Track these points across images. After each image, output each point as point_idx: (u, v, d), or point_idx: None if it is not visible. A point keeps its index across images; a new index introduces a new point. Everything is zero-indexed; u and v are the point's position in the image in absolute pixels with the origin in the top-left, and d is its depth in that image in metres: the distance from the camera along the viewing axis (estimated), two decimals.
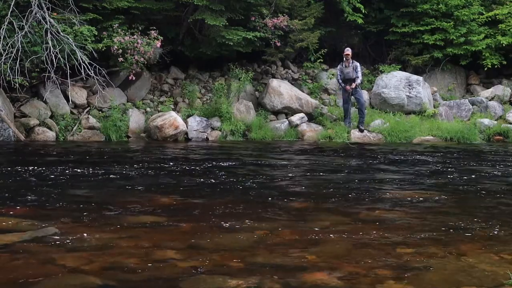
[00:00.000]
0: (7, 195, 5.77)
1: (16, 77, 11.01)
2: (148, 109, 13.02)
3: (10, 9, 11.15)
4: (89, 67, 11.55)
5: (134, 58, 12.00)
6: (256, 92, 14.31)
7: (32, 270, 3.52)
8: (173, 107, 13.27)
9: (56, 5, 11.74)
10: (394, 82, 14.44)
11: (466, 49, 15.34)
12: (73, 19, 11.66)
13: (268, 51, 14.28)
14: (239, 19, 13.53)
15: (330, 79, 14.95)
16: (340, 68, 13.27)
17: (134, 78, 12.45)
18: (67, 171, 7.35)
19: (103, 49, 11.91)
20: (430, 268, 3.66)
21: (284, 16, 13.89)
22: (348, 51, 13.28)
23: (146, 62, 12.33)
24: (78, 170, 7.42)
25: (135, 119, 12.47)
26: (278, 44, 13.92)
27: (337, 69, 13.54)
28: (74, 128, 11.84)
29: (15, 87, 11.20)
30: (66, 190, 6.09)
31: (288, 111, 13.71)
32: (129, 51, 11.98)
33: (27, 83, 11.54)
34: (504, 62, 15.53)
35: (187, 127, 12.34)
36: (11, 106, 11.68)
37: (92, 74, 11.64)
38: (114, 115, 12.01)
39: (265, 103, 13.77)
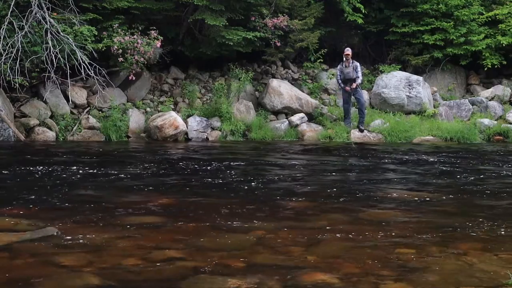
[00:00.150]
0: (7, 195, 5.77)
1: (16, 77, 11.01)
2: (148, 109, 13.02)
3: (10, 9, 11.15)
4: (89, 67, 11.55)
5: (134, 58, 12.00)
6: (256, 92, 14.31)
7: (32, 270, 3.52)
8: (173, 107, 13.27)
9: (56, 5, 11.74)
10: (394, 82, 14.44)
11: (466, 49, 15.34)
12: (73, 19, 11.66)
13: (268, 51, 14.28)
14: (239, 19, 13.53)
15: (330, 79, 14.95)
16: (340, 68, 13.26)
17: (134, 78, 12.45)
18: (67, 171, 7.35)
19: (103, 49, 11.91)
20: (430, 268, 3.66)
21: (284, 16, 13.89)
22: (348, 51, 13.27)
23: (146, 62, 12.33)
24: (78, 170, 7.42)
25: (135, 119, 12.47)
26: (278, 44, 13.91)
27: (337, 69, 13.53)
28: (74, 128, 11.84)
29: (15, 87, 11.20)
30: (66, 190, 6.09)
31: (288, 111, 13.71)
32: (129, 51, 11.98)
33: (27, 83, 11.54)
34: (504, 62, 15.53)
35: (187, 127, 12.34)
36: (11, 106, 11.68)
37: (92, 74, 11.64)
38: (114, 115, 12.01)
39: (265, 103, 13.77)
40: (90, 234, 4.28)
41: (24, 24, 11.18)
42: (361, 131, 13.02)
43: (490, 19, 15.61)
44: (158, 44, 12.40)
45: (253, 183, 6.75)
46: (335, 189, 6.56)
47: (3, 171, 7.34)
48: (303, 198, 5.99)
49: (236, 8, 13.39)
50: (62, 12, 11.73)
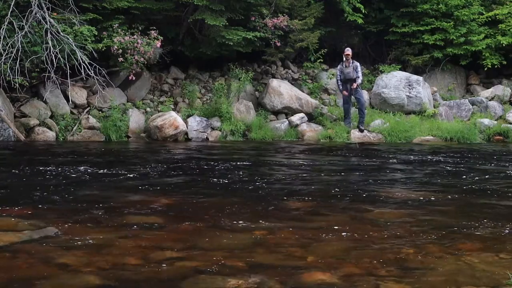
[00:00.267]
0: (7, 195, 5.77)
1: (16, 77, 11.01)
2: (148, 109, 13.02)
3: (10, 9, 11.16)
4: (89, 67, 11.55)
5: (134, 58, 12.00)
6: (256, 92, 14.31)
7: (32, 270, 3.52)
8: (173, 107, 13.27)
9: (56, 5, 11.74)
10: (394, 82, 14.44)
11: (466, 49, 15.34)
12: (73, 19, 11.66)
13: (268, 51, 14.28)
14: (239, 19, 13.53)
15: (330, 79, 14.95)
16: (340, 68, 13.26)
17: (134, 78, 12.45)
18: (67, 171, 7.35)
19: (103, 49, 11.91)
20: (430, 268, 3.66)
21: (284, 16, 13.89)
22: (348, 51, 13.28)
23: (146, 62, 12.33)
24: (79, 170, 7.42)
25: (135, 119, 12.47)
26: (278, 44, 13.91)
27: (337, 69, 13.53)
28: (74, 128, 11.84)
29: (15, 87, 11.20)
30: (66, 190, 6.09)
31: (288, 111, 13.71)
32: (129, 51, 11.98)
33: (27, 83, 11.55)
34: (504, 62, 15.53)
35: (187, 127, 12.34)
36: (11, 106, 11.68)
37: (92, 74, 11.64)
38: (114, 115, 12.01)
39: (265, 103, 13.77)
40: (90, 234, 4.28)
41: (24, 24, 11.18)
42: (361, 131, 13.02)
43: (490, 19, 15.61)
44: (158, 44, 12.40)
45: (253, 183, 6.75)
46: (335, 189, 6.56)
47: (3, 171, 7.34)
48: (304, 198, 5.98)
49: (236, 8, 13.39)
50: (62, 12, 11.73)
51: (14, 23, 11.14)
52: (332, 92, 14.89)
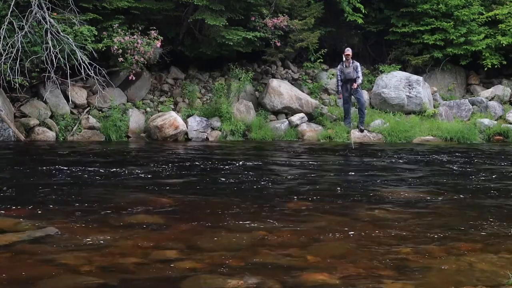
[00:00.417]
0: (7, 195, 5.77)
1: (16, 77, 11.00)
2: (148, 109, 13.02)
3: (10, 9, 11.15)
4: (89, 67, 11.54)
5: (134, 58, 11.99)
6: (256, 92, 14.30)
7: (32, 270, 3.52)
8: (173, 107, 13.26)
9: (56, 5, 11.73)
10: (394, 82, 14.44)
11: (466, 49, 15.33)
12: (73, 19, 11.65)
13: (268, 51, 14.28)
14: (239, 19, 13.52)
15: (330, 79, 14.94)
16: (340, 68, 13.25)
17: (134, 78, 12.44)
18: (67, 171, 7.35)
19: (103, 49, 11.91)
20: (430, 268, 3.66)
21: (284, 16, 13.88)
22: (348, 51, 13.27)
23: (146, 62, 12.32)
24: (79, 171, 7.42)
25: (135, 119, 12.47)
26: (278, 44, 13.91)
27: (337, 69, 13.52)
28: (74, 128, 11.83)
29: (15, 87, 11.19)
30: (66, 190, 6.09)
31: (288, 111, 13.71)
32: (129, 51, 11.97)
33: (27, 83, 11.54)
34: (504, 62, 15.52)
35: (187, 127, 12.33)
36: (11, 106, 11.68)
37: (92, 74, 11.63)
38: (114, 115, 12.00)
39: (265, 103, 13.77)
40: (90, 234, 4.28)
41: (24, 24, 11.17)
42: (361, 131, 13.02)
43: (490, 19, 15.60)
44: (158, 44, 12.40)
45: (254, 183, 6.75)
46: (336, 189, 6.56)
47: (3, 171, 7.34)
48: (304, 198, 5.98)
49: (236, 8, 13.39)
50: (62, 12, 11.72)
51: (14, 23, 11.13)
52: (332, 92, 14.88)
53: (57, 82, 11.57)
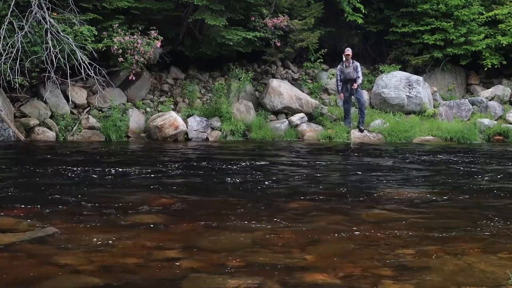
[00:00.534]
0: (7, 195, 5.77)
1: (16, 77, 11.00)
2: (148, 109, 13.02)
3: (10, 9, 11.15)
4: (89, 67, 11.54)
5: (134, 58, 11.99)
6: (256, 92, 14.30)
7: (32, 270, 3.52)
8: (173, 107, 13.26)
9: (56, 5, 11.73)
10: (394, 82, 14.44)
11: (466, 49, 15.33)
12: (73, 19, 11.65)
13: (268, 51, 14.28)
14: (239, 19, 13.52)
15: (330, 79, 14.94)
16: (340, 68, 13.25)
17: (134, 78, 12.44)
18: (67, 171, 7.35)
19: (103, 49, 11.91)
20: (430, 268, 3.66)
21: (284, 16, 13.88)
22: (348, 51, 13.27)
23: (146, 62, 12.32)
24: (79, 170, 7.42)
25: (135, 119, 12.47)
26: (278, 44, 13.91)
27: (337, 69, 13.52)
28: (74, 128, 11.83)
29: (15, 87, 11.19)
30: (66, 190, 6.09)
31: (288, 111, 13.71)
32: (129, 51, 11.98)
33: (27, 83, 11.54)
34: (504, 62, 15.52)
35: (187, 127, 12.33)
36: (11, 106, 11.68)
37: (92, 74, 11.63)
38: (114, 115, 12.00)
39: (265, 103, 13.77)
40: (90, 234, 4.28)
41: (24, 24, 11.18)
42: (361, 131, 13.02)
43: (490, 19, 15.60)
44: (158, 44, 12.40)
45: (254, 183, 6.75)
46: (337, 189, 6.56)
47: (2, 171, 7.34)
48: (304, 198, 5.98)
49: (236, 8, 13.39)
50: (62, 12, 11.72)
51: (14, 23, 11.14)
52: (332, 92, 14.88)
53: (57, 82, 11.57)
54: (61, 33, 11.28)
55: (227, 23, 13.04)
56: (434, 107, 14.55)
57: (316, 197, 5.99)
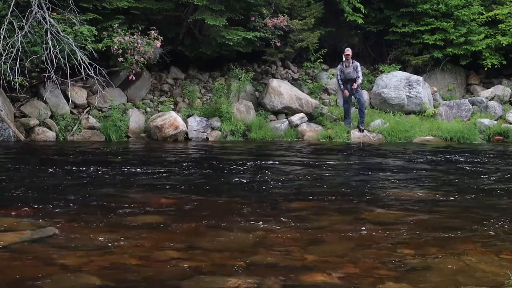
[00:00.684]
0: (7, 195, 5.77)
1: (16, 77, 11.00)
2: (148, 109, 13.02)
3: (10, 9, 11.15)
4: (89, 67, 11.54)
5: (134, 58, 11.99)
6: (256, 92, 14.30)
7: (32, 270, 3.52)
8: (173, 107, 13.26)
9: (56, 5, 11.73)
10: (394, 82, 14.43)
11: (466, 49, 15.33)
12: (73, 19, 11.65)
13: (268, 51, 14.27)
14: (239, 19, 13.52)
15: (330, 79, 14.94)
16: (340, 68, 13.26)
17: (134, 78, 12.44)
18: (67, 171, 7.35)
19: (103, 49, 11.91)
20: (430, 268, 3.66)
21: (284, 16, 13.88)
22: (348, 51, 13.27)
23: (146, 62, 12.32)
24: (79, 170, 7.42)
25: (135, 119, 12.47)
26: (278, 44, 13.90)
27: (337, 69, 13.53)
28: (74, 128, 11.83)
29: (15, 87, 11.19)
30: (66, 190, 6.09)
31: (288, 111, 13.70)
32: (129, 51, 11.97)
33: (27, 83, 11.54)
34: (504, 62, 15.51)
35: (187, 127, 12.33)
36: (11, 106, 11.68)
37: (92, 74, 11.63)
38: (114, 115, 12.00)
39: (265, 103, 13.77)
40: (90, 234, 4.28)
41: (24, 24, 11.17)
42: (361, 131, 13.02)
43: (490, 19, 15.59)
44: (158, 44, 12.39)
45: (254, 183, 6.75)
46: (338, 189, 6.56)
47: (2, 171, 7.34)
48: (304, 198, 5.98)
49: (236, 8, 13.39)
50: (62, 12, 11.72)
51: (14, 23, 11.13)
52: (332, 92, 14.88)
53: (57, 82, 11.57)
54: (61, 33, 11.28)
55: (227, 23, 13.04)
56: (434, 107, 14.55)
57: (317, 197, 5.99)
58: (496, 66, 15.38)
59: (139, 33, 12.23)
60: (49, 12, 11.41)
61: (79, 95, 12.37)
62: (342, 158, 9.94)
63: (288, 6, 14.24)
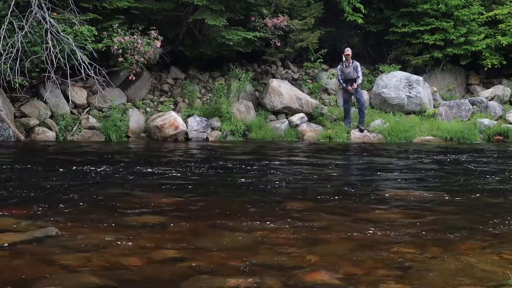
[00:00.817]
0: (7, 195, 5.77)
1: (16, 77, 11.00)
2: (148, 109, 13.02)
3: (10, 9, 11.15)
4: (89, 67, 11.54)
5: (134, 58, 11.99)
6: (256, 92, 14.30)
7: (32, 270, 3.52)
8: (173, 107, 13.26)
9: (56, 5, 11.73)
10: (394, 82, 14.43)
11: (466, 49, 15.33)
12: (73, 19, 11.65)
13: (268, 51, 14.28)
14: (239, 19, 13.52)
15: (330, 79, 14.94)
16: (340, 68, 13.27)
17: (134, 78, 12.44)
18: (67, 171, 7.35)
19: (103, 49, 11.91)
20: (430, 268, 3.66)
21: (284, 16, 13.88)
22: (348, 51, 13.28)
23: (146, 62, 12.32)
24: (79, 170, 7.42)
25: (135, 119, 12.47)
26: (278, 44, 13.91)
27: (337, 69, 13.54)
28: (74, 128, 11.83)
29: (15, 87, 11.19)
30: (66, 190, 6.09)
31: (288, 111, 13.71)
32: (129, 51, 11.97)
33: (27, 83, 11.54)
34: (504, 62, 15.52)
35: (187, 127, 12.33)
36: (11, 106, 11.68)
37: (92, 74, 11.63)
38: (114, 115, 12.00)
39: (265, 103, 13.77)
40: (90, 234, 4.28)
41: (24, 24, 11.17)
42: (361, 131, 13.02)
43: (490, 19, 15.59)
44: (158, 44, 12.40)
45: (255, 183, 6.75)
46: (338, 189, 6.55)
47: (2, 171, 7.34)
48: (305, 197, 5.98)
49: (236, 8, 13.39)
50: (62, 12, 11.72)
51: (14, 23, 11.13)
52: (332, 92, 14.88)
53: (57, 82, 11.57)
54: (61, 33, 11.28)
55: (227, 23, 13.04)
56: (434, 107, 14.55)
57: (318, 197, 5.98)
58: (496, 66, 15.39)
59: (139, 33, 12.23)
60: (49, 12, 11.41)
61: (79, 95, 12.37)
62: (342, 158, 9.94)
63: (288, 6, 14.24)
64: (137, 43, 12.00)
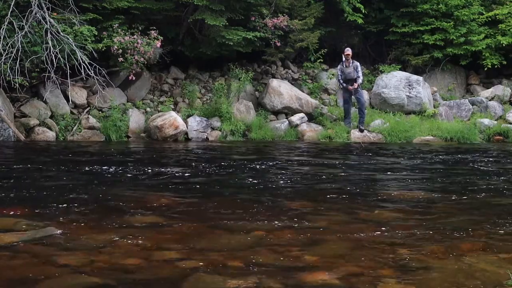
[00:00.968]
0: (7, 194, 5.77)
1: (16, 77, 11.00)
2: (148, 109, 13.02)
3: (10, 9, 11.15)
4: (89, 67, 11.54)
5: (134, 58, 11.99)
6: (256, 92, 14.30)
7: (32, 270, 3.52)
8: (173, 107, 13.26)
9: (56, 5, 11.73)
10: (394, 82, 14.44)
11: (466, 49, 15.33)
12: (73, 19, 11.65)
13: (268, 51, 14.28)
14: (239, 19, 13.52)
15: (330, 79, 14.94)
16: (340, 68, 13.27)
17: (134, 78, 12.44)
18: (67, 171, 7.35)
19: (103, 49, 11.91)
20: (430, 268, 3.66)
21: (284, 16, 13.88)
22: (348, 51, 13.28)
23: (146, 62, 12.32)
24: (79, 170, 7.42)
25: (135, 119, 12.47)
26: (278, 44, 13.91)
27: (337, 69, 13.54)
28: (74, 128, 11.83)
29: (15, 87, 11.19)
30: (66, 189, 6.09)
31: (288, 111, 13.71)
32: (129, 51, 11.97)
33: (27, 83, 11.54)
34: (504, 62, 15.52)
35: (187, 127, 12.33)
36: (11, 106, 11.68)
37: (92, 74, 11.63)
38: (114, 115, 12.00)
39: (265, 103, 13.77)
40: (90, 234, 4.28)
41: (24, 24, 11.17)
42: (361, 131, 13.02)
43: (490, 19, 15.60)
44: (158, 44, 12.40)
45: (256, 183, 6.75)
46: (339, 189, 6.55)
47: (2, 171, 7.34)
48: (306, 197, 5.98)
49: (236, 8, 13.39)
50: (62, 12, 11.72)
51: (14, 23, 11.13)
52: (332, 92, 14.89)
53: (57, 82, 11.57)
54: (61, 33, 11.28)
55: (227, 23, 13.04)
56: (434, 107, 14.55)
57: (318, 197, 5.99)
58: (496, 66, 15.39)
59: (139, 33, 12.23)
60: (49, 12, 11.41)
61: (79, 95, 12.37)
62: (342, 158, 9.94)
63: (288, 6, 14.24)
64: (137, 43, 12.00)
